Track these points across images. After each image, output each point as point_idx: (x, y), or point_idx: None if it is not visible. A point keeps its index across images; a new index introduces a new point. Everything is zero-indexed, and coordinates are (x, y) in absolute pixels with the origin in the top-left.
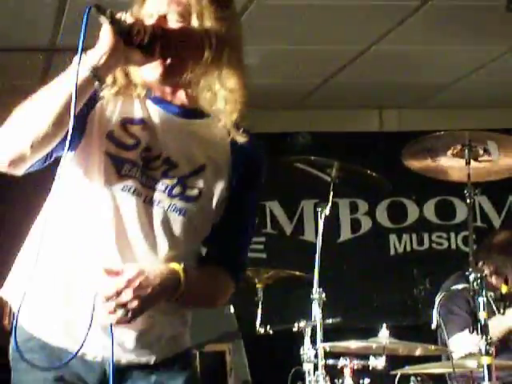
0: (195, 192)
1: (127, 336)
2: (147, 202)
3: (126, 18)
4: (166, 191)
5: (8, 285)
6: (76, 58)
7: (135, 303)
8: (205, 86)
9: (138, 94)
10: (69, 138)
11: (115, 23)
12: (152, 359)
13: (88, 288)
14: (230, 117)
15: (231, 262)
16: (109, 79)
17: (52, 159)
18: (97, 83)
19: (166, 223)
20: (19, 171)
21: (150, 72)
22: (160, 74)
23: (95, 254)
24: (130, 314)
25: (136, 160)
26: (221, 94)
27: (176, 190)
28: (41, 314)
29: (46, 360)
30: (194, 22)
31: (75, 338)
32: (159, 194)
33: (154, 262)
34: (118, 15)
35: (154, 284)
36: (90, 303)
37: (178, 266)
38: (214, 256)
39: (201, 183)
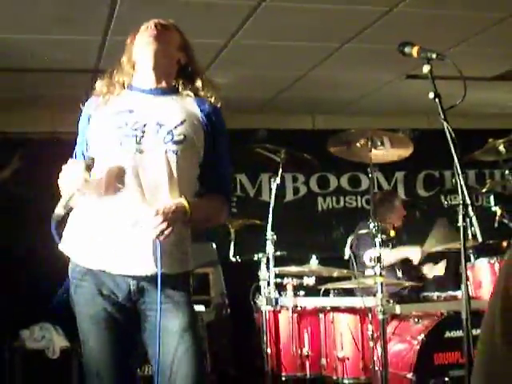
0: (181, 137)
1: (150, 258)
2: (150, 152)
3: (72, 194)
4: (161, 141)
5: (63, 241)
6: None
7: (165, 224)
8: (179, 79)
9: (121, 89)
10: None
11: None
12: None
13: (119, 226)
14: (200, 94)
15: (221, 188)
16: (103, 89)
17: None
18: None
19: (167, 162)
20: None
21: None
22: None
23: (123, 201)
24: (163, 234)
25: (130, 133)
26: (195, 83)
27: (167, 138)
28: (86, 250)
29: (90, 279)
30: (172, 47)
31: (108, 262)
32: (157, 145)
33: (165, 194)
34: (66, 198)
35: (172, 209)
36: (121, 235)
37: (183, 200)
38: (208, 187)
39: (183, 131)
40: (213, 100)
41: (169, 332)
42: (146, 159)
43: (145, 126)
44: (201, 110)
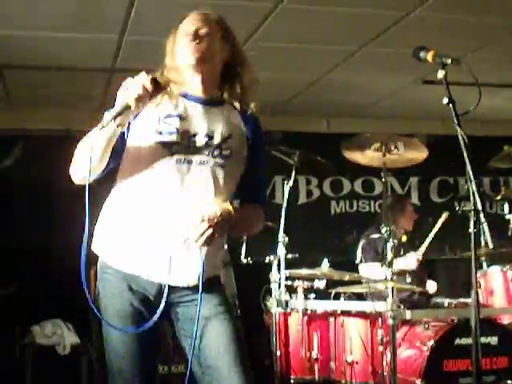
0: (228, 152)
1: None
2: (198, 164)
3: (129, 102)
4: (210, 154)
5: (95, 243)
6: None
7: (210, 231)
8: (224, 84)
9: (174, 93)
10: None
11: (120, 114)
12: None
13: (156, 232)
14: (242, 99)
15: (259, 198)
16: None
17: (108, 169)
18: (120, 128)
19: (214, 176)
20: (87, 182)
21: (190, 78)
22: (195, 61)
23: (166, 208)
24: (208, 239)
25: (181, 141)
26: (235, 86)
27: (215, 153)
28: (119, 253)
29: (120, 275)
30: (216, 38)
31: (142, 267)
32: (205, 157)
33: (209, 204)
34: (123, 105)
35: (218, 216)
36: (164, 244)
37: (227, 204)
38: (246, 196)
39: (230, 145)
40: (253, 108)
41: (206, 319)
42: (194, 170)
43: (195, 135)
44: (245, 124)
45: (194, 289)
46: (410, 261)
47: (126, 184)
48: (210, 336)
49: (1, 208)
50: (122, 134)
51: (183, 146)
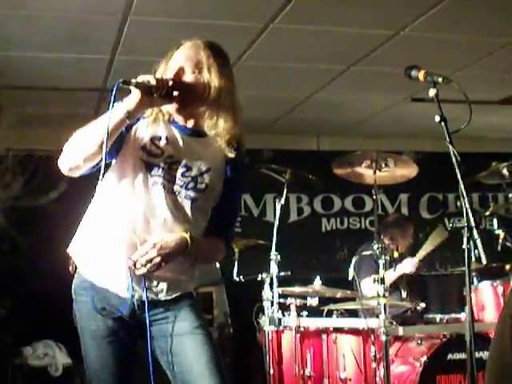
0: (203, 186)
1: (153, 283)
2: (170, 193)
3: (150, 79)
4: (184, 185)
5: (72, 245)
6: (115, 105)
7: (158, 259)
8: (208, 117)
9: (164, 119)
10: (104, 157)
11: (139, 86)
12: (166, 297)
13: (125, 249)
14: (224, 138)
15: (224, 234)
16: (148, 112)
17: (98, 167)
18: (127, 120)
19: (181, 207)
20: (76, 175)
21: (170, 107)
22: (176, 109)
23: (132, 226)
24: (154, 267)
25: (161, 165)
26: (219, 124)
27: (190, 185)
28: (93, 266)
29: (93, 295)
30: (205, 75)
31: (114, 283)
32: (178, 188)
33: (171, 232)
34: (144, 78)
35: (170, 246)
36: (126, 260)
37: (186, 235)
38: (212, 230)
39: (207, 180)
40: (240, 150)
41: (181, 335)
42: (163, 197)
43: (175, 163)
44: (226, 161)
45: (165, 306)
46: (406, 264)
47: (106, 193)
48: (188, 353)
49: None
50: (123, 132)
51: (163, 170)
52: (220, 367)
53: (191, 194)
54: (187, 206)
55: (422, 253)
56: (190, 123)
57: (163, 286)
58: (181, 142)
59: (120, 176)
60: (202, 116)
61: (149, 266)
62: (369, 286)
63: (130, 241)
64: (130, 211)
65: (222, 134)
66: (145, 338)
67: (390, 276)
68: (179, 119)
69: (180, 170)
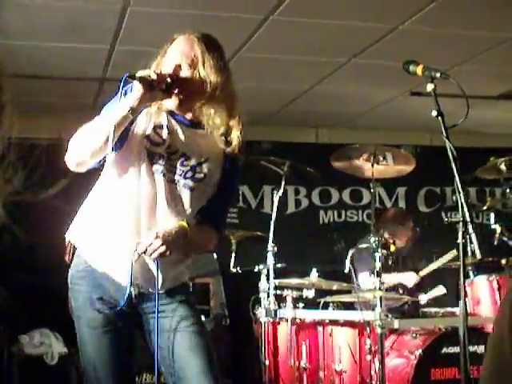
0: (201, 175)
1: (150, 275)
2: (169, 181)
3: (151, 74)
4: (182, 174)
5: (71, 231)
6: (116, 100)
7: (163, 247)
8: (205, 110)
9: (166, 110)
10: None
11: (141, 80)
12: (162, 289)
13: (127, 234)
14: (221, 131)
15: (217, 224)
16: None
17: (104, 161)
18: (131, 116)
19: (180, 195)
20: (82, 170)
21: (170, 103)
22: (176, 105)
23: (134, 213)
24: (159, 254)
25: (163, 153)
26: (215, 116)
27: (188, 174)
28: (94, 248)
29: (89, 283)
30: (201, 70)
31: (114, 266)
32: (177, 176)
33: (171, 219)
34: (144, 73)
35: (172, 234)
36: (128, 244)
37: (184, 223)
38: (206, 219)
39: (205, 170)
40: (234, 143)
41: (176, 331)
42: (163, 186)
43: (175, 153)
44: (224, 152)
45: (162, 298)
46: (408, 278)
47: (108, 180)
48: (180, 348)
49: None
50: (128, 126)
51: (164, 159)
52: (213, 366)
53: (189, 183)
54: (186, 195)
55: (426, 270)
56: (189, 115)
57: (159, 278)
58: (180, 133)
59: (124, 164)
60: (200, 109)
61: (154, 255)
62: (366, 279)
63: (132, 226)
64: (133, 198)
65: (219, 126)
66: (141, 328)
67: (388, 280)
68: (179, 112)
69: (179, 159)
